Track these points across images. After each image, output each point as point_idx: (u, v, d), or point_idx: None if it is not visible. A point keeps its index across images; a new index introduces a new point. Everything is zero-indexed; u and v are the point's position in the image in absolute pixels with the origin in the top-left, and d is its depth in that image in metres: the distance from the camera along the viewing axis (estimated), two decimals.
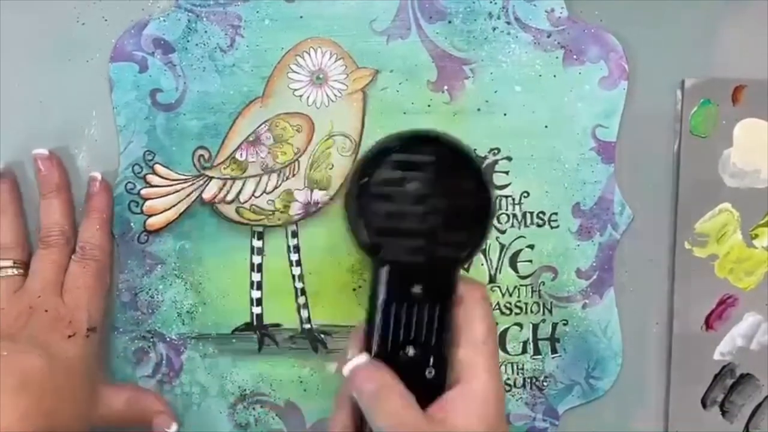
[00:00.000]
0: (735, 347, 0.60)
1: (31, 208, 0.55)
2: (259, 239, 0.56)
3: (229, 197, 0.56)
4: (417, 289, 0.44)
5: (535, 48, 0.56)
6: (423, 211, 0.43)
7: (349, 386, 0.44)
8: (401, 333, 0.44)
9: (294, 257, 0.57)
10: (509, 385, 0.59)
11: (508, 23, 0.56)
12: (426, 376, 0.44)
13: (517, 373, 0.59)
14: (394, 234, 0.43)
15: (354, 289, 0.57)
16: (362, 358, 0.44)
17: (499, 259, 0.58)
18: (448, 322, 0.44)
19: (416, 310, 0.44)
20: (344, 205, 0.45)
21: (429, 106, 0.56)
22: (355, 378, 0.44)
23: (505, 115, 0.57)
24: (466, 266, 0.45)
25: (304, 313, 0.57)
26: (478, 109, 0.56)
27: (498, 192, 0.57)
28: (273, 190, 0.56)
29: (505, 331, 0.58)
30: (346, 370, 0.44)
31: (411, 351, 0.44)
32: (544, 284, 0.58)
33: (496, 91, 0.56)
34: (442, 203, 0.43)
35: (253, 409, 0.57)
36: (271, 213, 0.56)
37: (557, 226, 0.58)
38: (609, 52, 0.56)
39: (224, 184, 0.56)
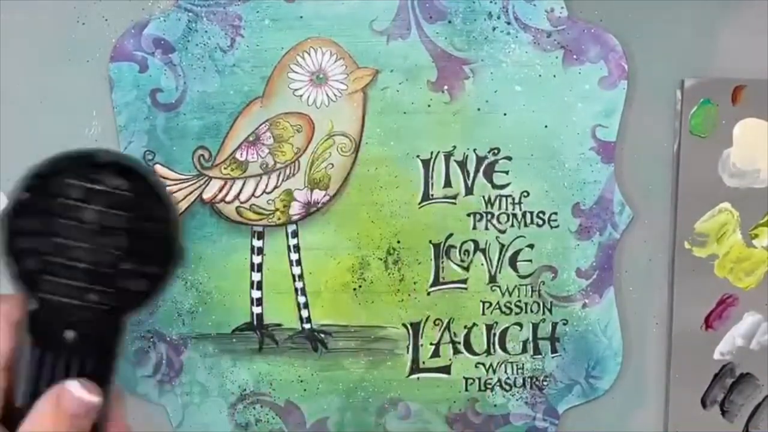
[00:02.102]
0: (735, 347, 0.60)
1: None
2: (259, 239, 0.56)
3: (229, 197, 0.56)
4: (70, 334, 0.36)
5: (535, 48, 0.56)
6: (90, 247, 0.36)
7: None
8: (41, 383, 0.36)
9: (294, 257, 0.57)
10: (509, 384, 0.59)
11: (508, 23, 0.56)
12: None
13: (517, 373, 0.59)
14: (51, 267, 0.36)
15: (354, 289, 0.57)
16: None
17: (499, 258, 0.58)
18: (105, 379, 0.37)
19: (64, 358, 0.36)
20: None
21: (429, 106, 0.56)
22: None
23: (505, 115, 0.57)
24: None
25: (304, 313, 0.57)
26: (478, 109, 0.56)
27: (498, 192, 0.57)
28: (273, 189, 0.56)
29: (505, 330, 0.58)
30: None
31: None
32: (544, 284, 0.58)
33: (496, 91, 0.56)
34: (115, 240, 0.36)
35: (253, 408, 0.57)
36: (271, 213, 0.56)
37: (557, 226, 0.58)
38: (609, 52, 0.56)
39: (224, 184, 0.56)
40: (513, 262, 0.58)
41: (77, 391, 0.35)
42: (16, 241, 0.36)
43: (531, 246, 0.58)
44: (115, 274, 0.36)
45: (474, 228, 0.57)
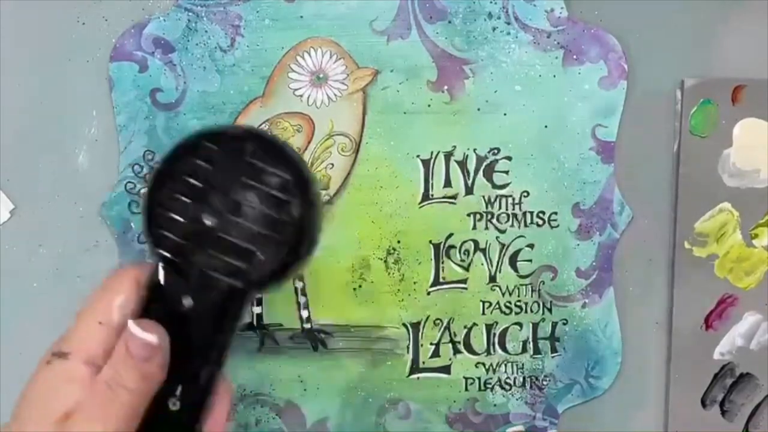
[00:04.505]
0: (735, 347, 0.60)
1: (32, 208, 0.55)
2: None
3: None
4: (187, 302, 0.36)
5: (535, 48, 0.56)
6: (241, 222, 0.36)
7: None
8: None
9: None
10: (509, 384, 0.59)
11: (508, 23, 0.56)
12: (168, 406, 0.37)
13: (517, 373, 0.59)
14: (186, 232, 0.36)
15: (354, 289, 0.57)
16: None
17: (499, 258, 0.58)
18: (216, 356, 0.37)
19: (180, 324, 0.36)
20: (149, 179, 0.37)
21: (429, 106, 0.56)
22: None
23: (505, 115, 0.57)
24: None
25: (305, 313, 0.57)
26: (478, 109, 0.56)
27: (498, 192, 0.57)
28: None
29: (505, 330, 0.58)
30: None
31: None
32: (543, 284, 0.58)
33: (496, 91, 0.56)
34: (266, 220, 0.36)
35: (253, 409, 0.57)
36: None
37: (557, 226, 0.58)
38: (609, 52, 0.56)
39: None
40: (513, 262, 0.58)
41: (136, 331, 0.35)
42: (166, 202, 0.36)
43: (531, 246, 0.58)
44: (254, 252, 0.36)
45: (474, 228, 0.57)
